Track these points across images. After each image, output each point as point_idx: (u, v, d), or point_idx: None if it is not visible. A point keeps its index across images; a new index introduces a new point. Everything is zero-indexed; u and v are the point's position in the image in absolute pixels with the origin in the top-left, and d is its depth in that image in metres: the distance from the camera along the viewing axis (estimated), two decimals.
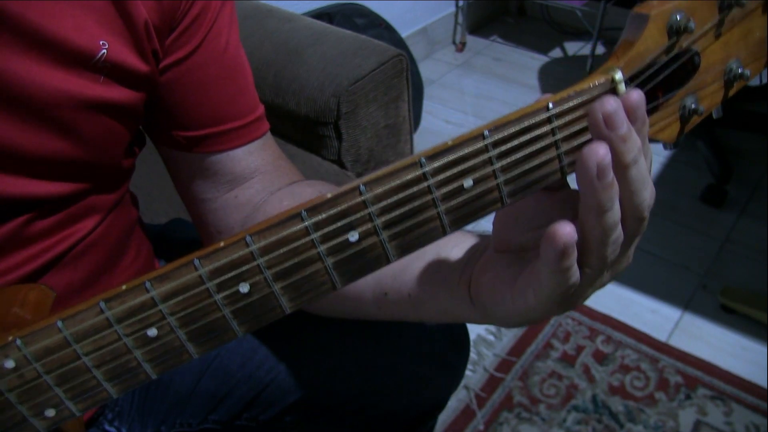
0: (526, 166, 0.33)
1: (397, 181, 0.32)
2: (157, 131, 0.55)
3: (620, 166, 0.32)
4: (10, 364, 0.32)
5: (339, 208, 0.32)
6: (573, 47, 2.51)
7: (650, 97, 0.36)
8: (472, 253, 0.42)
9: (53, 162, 0.44)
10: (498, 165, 0.33)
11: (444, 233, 0.34)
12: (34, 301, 0.38)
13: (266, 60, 1.10)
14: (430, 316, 0.46)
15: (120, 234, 0.56)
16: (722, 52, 0.37)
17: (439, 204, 0.33)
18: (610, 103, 0.31)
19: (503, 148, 0.32)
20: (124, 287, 0.32)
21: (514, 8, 2.76)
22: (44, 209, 0.47)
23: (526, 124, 0.32)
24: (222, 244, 0.31)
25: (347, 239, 0.32)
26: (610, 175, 0.31)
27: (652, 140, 0.36)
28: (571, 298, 0.36)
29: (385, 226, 0.33)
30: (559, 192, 0.37)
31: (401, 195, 0.32)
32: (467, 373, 1.30)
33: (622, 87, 0.34)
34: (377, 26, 1.78)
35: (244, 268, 0.32)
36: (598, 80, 0.33)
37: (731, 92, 0.39)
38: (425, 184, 0.32)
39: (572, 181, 0.36)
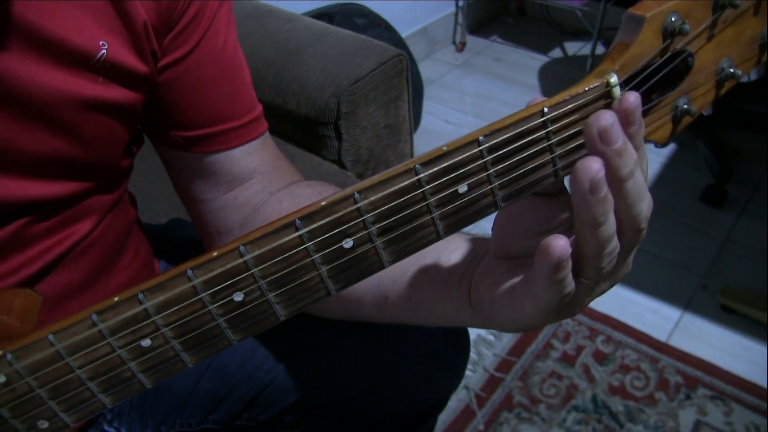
0: (521, 171, 0.33)
1: (392, 188, 0.32)
2: (155, 131, 0.55)
3: (616, 180, 0.32)
4: (1, 379, 0.32)
5: (333, 217, 0.31)
6: (573, 47, 2.51)
7: (644, 99, 0.36)
8: (472, 258, 0.42)
9: (52, 162, 0.44)
10: (493, 170, 0.33)
11: (438, 238, 0.34)
12: (20, 307, 0.37)
13: (266, 60, 1.10)
14: (429, 320, 0.46)
15: (118, 234, 0.56)
16: (715, 53, 0.37)
17: (434, 210, 0.33)
18: (606, 118, 0.31)
19: (498, 153, 0.32)
20: (116, 299, 0.31)
21: (514, 8, 2.76)
22: (44, 210, 0.46)
23: (521, 128, 0.32)
24: (215, 253, 0.31)
25: (342, 246, 0.32)
26: (604, 190, 0.31)
27: (644, 140, 0.36)
28: (568, 307, 0.36)
29: (380, 233, 0.32)
30: (558, 198, 0.36)
31: (396, 202, 0.32)
32: (467, 373, 1.30)
33: (616, 90, 0.34)
34: (377, 26, 1.78)
35: (238, 278, 0.31)
36: (593, 83, 0.33)
37: (722, 92, 0.39)
38: (420, 190, 0.32)
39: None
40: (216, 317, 0.32)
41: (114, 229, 0.55)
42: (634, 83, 0.35)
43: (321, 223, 0.31)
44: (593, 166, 0.30)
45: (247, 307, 0.32)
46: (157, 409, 0.66)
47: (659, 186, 1.78)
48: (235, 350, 0.65)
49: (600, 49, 2.40)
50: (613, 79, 0.33)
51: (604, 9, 2.12)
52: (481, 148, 0.32)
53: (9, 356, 0.32)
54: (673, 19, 0.34)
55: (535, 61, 2.44)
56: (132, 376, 0.33)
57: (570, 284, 0.33)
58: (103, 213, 0.52)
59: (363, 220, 0.32)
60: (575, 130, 0.33)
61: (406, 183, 0.32)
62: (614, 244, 0.33)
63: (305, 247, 0.31)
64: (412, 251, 0.34)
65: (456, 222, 0.34)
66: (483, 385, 1.29)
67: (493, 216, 0.37)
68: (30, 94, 0.41)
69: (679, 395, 1.26)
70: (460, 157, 0.32)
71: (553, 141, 0.33)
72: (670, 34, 0.34)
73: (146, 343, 0.32)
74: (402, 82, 1.10)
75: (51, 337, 0.31)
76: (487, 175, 0.33)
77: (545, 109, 0.32)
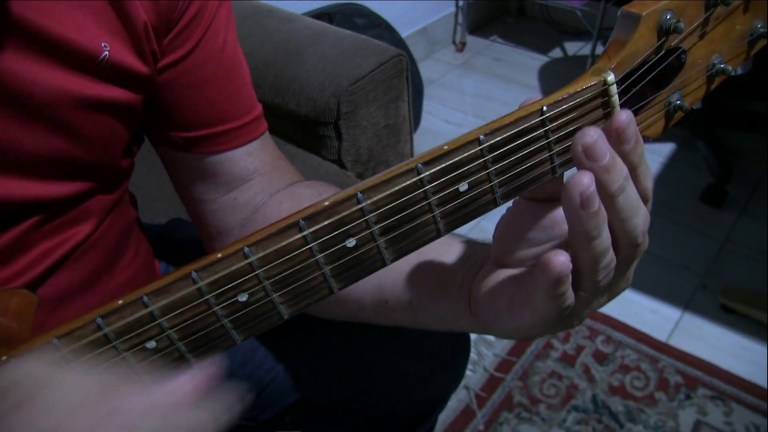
0: (520, 168, 0.33)
1: (394, 188, 0.32)
2: (155, 132, 0.55)
3: (607, 195, 0.31)
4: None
5: (337, 217, 0.32)
6: (573, 47, 2.51)
7: (639, 96, 0.36)
8: (472, 264, 0.42)
9: (53, 162, 0.44)
10: (492, 168, 0.33)
11: (438, 236, 0.34)
12: (16, 308, 0.36)
13: (266, 60, 1.10)
14: (429, 325, 0.46)
15: (119, 234, 0.56)
16: (706, 49, 0.38)
17: (435, 208, 0.33)
18: (590, 135, 0.31)
19: (498, 152, 0.32)
20: (120, 302, 0.31)
21: (514, 8, 2.76)
22: (46, 212, 0.46)
23: (521, 127, 0.32)
24: (219, 255, 0.31)
25: (345, 246, 0.32)
26: (595, 205, 0.31)
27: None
28: (567, 319, 0.36)
29: (382, 232, 0.33)
30: (558, 209, 0.36)
31: (398, 201, 0.32)
32: (467, 373, 1.30)
33: (613, 89, 0.34)
34: (377, 26, 1.78)
35: (242, 279, 0.31)
36: (590, 82, 0.33)
37: (713, 86, 0.40)
38: (422, 189, 0.32)
39: None
40: (221, 318, 0.32)
41: (115, 229, 0.55)
42: (630, 81, 0.35)
43: (325, 223, 0.31)
44: (583, 180, 0.30)
45: (252, 307, 0.32)
46: None
47: (659, 186, 1.78)
48: (235, 350, 0.64)
49: (600, 49, 2.40)
50: (610, 77, 0.34)
51: (604, 9, 2.12)
52: (481, 147, 0.32)
53: (12, 361, 0.31)
54: (667, 17, 0.34)
55: (535, 61, 2.44)
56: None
57: (569, 298, 0.33)
58: (104, 214, 0.52)
59: (366, 219, 0.32)
60: (573, 128, 0.34)
61: (408, 182, 0.32)
62: (609, 258, 0.33)
63: (309, 248, 0.32)
64: (412, 249, 0.34)
65: (456, 220, 0.34)
66: (483, 385, 1.29)
67: (492, 214, 0.37)
68: (30, 94, 0.41)
69: (679, 395, 1.26)
70: (460, 156, 0.32)
71: (551, 139, 0.33)
72: (665, 31, 0.34)
73: (151, 345, 0.32)
74: (402, 82, 1.10)
75: (55, 341, 0.31)
76: (487, 173, 0.33)
77: (544, 108, 0.32)
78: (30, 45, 0.40)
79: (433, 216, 0.33)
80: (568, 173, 0.36)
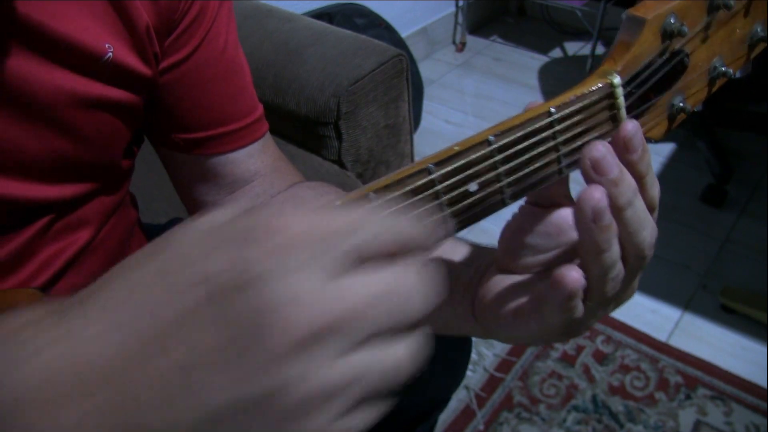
0: (528, 169, 0.34)
1: (406, 188, 0.32)
2: (156, 133, 0.55)
3: (615, 209, 0.32)
4: None
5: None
6: (573, 47, 2.51)
7: (643, 98, 0.36)
8: (476, 268, 0.42)
9: (55, 163, 0.44)
10: (502, 168, 0.33)
11: (446, 236, 0.34)
12: (23, 306, 0.37)
13: (266, 60, 1.10)
14: (431, 329, 0.46)
15: (121, 236, 0.56)
16: (708, 52, 0.38)
17: (445, 208, 0.33)
18: (598, 149, 0.31)
19: (507, 152, 0.33)
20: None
21: (514, 8, 2.76)
22: (51, 215, 0.46)
23: (529, 128, 0.33)
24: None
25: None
26: (607, 218, 0.31)
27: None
28: (573, 329, 0.36)
29: None
30: (563, 216, 0.37)
31: (410, 202, 0.32)
32: (467, 373, 1.30)
33: (619, 91, 0.34)
34: (377, 26, 1.78)
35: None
36: (597, 84, 0.34)
37: (714, 89, 0.40)
38: (433, 189, 0.32)
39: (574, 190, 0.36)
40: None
41: (117, 231, 0.55)
42: (635, 83, 0.35)
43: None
44: (595, 195, 0.31)
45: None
46: None
47: (659, 186, 1.78)
48: None
49: (600, 49, 2.40)
50: (617, 79, 0.34)
51: (604, 9, 2.12)
52: (491, 147, 0.32)
53: None
54: (672, 21, 0.34)
55: (535, 61, 2.44)
56: None
57: (579, 310, 0.34)
58: (107, 215, 0.52)
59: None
60: (579, 130, 0.34)
61: (419, 182, 0.32)
62: (618, 269, 0.34)
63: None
64: None
65: (465, 220, 0.34)
66: (483, 385, 1.29)
67: (497, 215, 0.37)
68: (32, 93, 0.41)
69: (679, 395, 1.26)
70: (471, 157, 0.32)
71: (559, 140, 0.34)
72: (669, 35, 0.35)
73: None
74: (402, 82, 1.10)
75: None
76: (497, 173, 0.33)
77: (552, 109, 0.33)
78: (34, 45, 0.40)
79: (443, 216, 0.33)
80: (577, 186, 0.36)
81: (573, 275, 0.31)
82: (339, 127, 1.07)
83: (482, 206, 0.34)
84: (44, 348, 0.23)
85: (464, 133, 2.07)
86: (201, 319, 0.22)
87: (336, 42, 1.10)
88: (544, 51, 2.49)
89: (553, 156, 0.34)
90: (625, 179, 0.32)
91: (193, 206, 0.58)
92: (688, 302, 1.46)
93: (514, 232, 0.37)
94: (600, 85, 0.34)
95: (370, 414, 0.24)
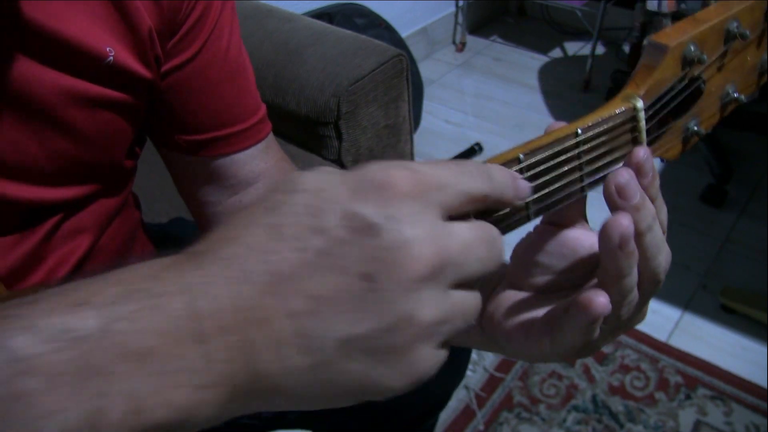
0: (552, 187, 0.35)
1: None
2: (159, 135, 0.55)
3: (636, 234, 0.33)
4: None
5: None
6: (573, 47, 2.51)
7: (662, 122, 0.39)
8: (488, 281, 0.42)
9: (57, 164, 0.44)
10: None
11: None
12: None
13: (266, 60, 1.10)
14: None
15: (125, 237, 0.56)
16: (722, 79, 0.41)
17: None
18: (623, 176, 0.33)
19: (535, 170, 0.34)
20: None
21: (514, 8, 2.76)
22: (56, 217, 0.46)
23: (557, 149, 0.34)
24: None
25: None
26: (632, 244, 0.32)
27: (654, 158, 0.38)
28: (585, 350, 0.37)
29: None
30: (577, 236, 0.37)
31: None
32: (467, 372, 1.30)
33: (642, 114, 0.36)
34: (377, 26, 1.78)
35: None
36: (620, 107, 0.36)
37: (726, 113, 0.43)
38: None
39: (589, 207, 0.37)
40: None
41: (121, 232, 0.55)
42: (655, 108, 0.38)
43: None
44: (623, 222, 0.32)
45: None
46: None
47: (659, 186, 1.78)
48: None
49: (600, 49, 2.40)
50: (639, 104, 0.36)
51: (604, 9, 2.12)
52: (521, 166, 0.33)
53: None
54: (692, 49, 0.37)
55: (535, 61, 2.44)
56: None
57: (597, 333, 0.34)
58: (110, 217, 0.52)
59: None
60: (602, 150, 0.36)
61: None
62: (634, 294, 0.35)
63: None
64: None
65: None
66: (483, 385, 1.29)
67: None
68: (33, 94, 0.41)
69: (679, 395, 1.26)
70: None
71: (583, 160, 0.35)
72: (689, 62, 0.37)
73: None
74: (402, 82, 1.10)
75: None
76: None
77: (578, 131, 0.34)
78: (36, 47, 0.40)
79: None
80: (596, 209, 0.36)
81: (601, 300, 0.32)
82: (339, 127, 1.07)
83: (507, 222, 0.34)
84: (172, 296, 0.25)
85: (464, 133, 2.07)
86: (329, 263, 0.24)
87: (336, 42, 1.10)
88: (544, 51, 2.49)
89: (576, 175, 0.35)
90: (647, 205, 0.33)
91: (196, 207, 0.58)
92: (688, 302, 1.46)
93: (526, 250, 0.38)
94: (624, 108, 0.36)
95: (445, 354, 0.28)
